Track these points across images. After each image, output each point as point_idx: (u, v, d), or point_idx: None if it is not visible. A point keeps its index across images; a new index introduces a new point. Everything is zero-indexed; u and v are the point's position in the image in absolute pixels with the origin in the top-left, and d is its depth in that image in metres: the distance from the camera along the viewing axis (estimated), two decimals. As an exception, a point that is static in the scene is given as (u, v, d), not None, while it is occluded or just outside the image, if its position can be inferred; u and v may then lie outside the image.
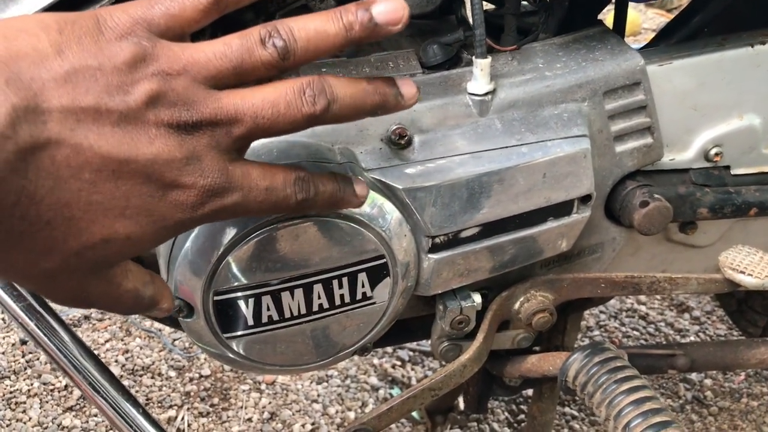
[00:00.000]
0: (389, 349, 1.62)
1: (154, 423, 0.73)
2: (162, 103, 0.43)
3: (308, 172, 0.51)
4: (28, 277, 0.43)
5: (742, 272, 0.77)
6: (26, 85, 0.39)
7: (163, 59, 0.43)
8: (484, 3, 0.79)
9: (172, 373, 1.55)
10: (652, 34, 1.03)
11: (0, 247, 0.40)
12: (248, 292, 0.64)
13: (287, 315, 0.66)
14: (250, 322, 0.65)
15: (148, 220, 0.43)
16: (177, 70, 0.43)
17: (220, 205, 0.46)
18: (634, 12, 3.04)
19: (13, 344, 1.60)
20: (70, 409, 1.46)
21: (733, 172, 0.84)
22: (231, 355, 0.68)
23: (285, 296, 0.65)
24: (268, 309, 0.65)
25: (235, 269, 0.62)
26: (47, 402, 1.47)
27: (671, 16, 2.96)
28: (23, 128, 0.38)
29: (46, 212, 0.40)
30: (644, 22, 3.21)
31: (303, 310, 0.66)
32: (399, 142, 0.67)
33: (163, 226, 0.44)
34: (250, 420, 1.45)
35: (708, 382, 1.58)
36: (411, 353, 1.62)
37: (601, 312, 1.76)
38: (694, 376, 1.58)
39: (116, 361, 1.58)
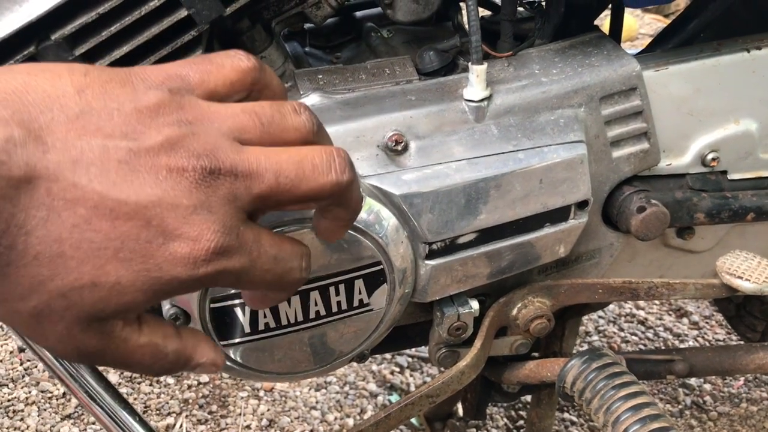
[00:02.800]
0: (388, 355, 1.62)
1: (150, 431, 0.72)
2: (179, 148, 0.40)
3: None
4: (12, 316, 0.40)
5: (740, 277, 0.77)
6: (33, 117, 0.38)
7: (188, 109, 0.42)
8: (481, 9, 0.79)
9: (171, 380, 1.55)
10: (649, 39, 1.03)
11: None
12: (245, 300, 0.63)
13: (284, 322, 0.66)
14: (247, 329, 0.65)
15: (142, 268, 0.39)
16: (201, 120, 0.41)
17: (225, 266, 0.41)
18: (630, 17, 3.05)
19: (11, 352, 1.60)
20: (69, 416, 1.45)
21: (730, 177, 0.84)
22: (228, 363, 0.67)
23: (282, 303, 0.64)
24: (265, 316, 0.65)
25: (231, 277, 0.62)
26: (45, 410, 1.46)
27: (668, 21, 2.97)
28: (19, 155, 0.37)
29: (35, 245, 0.38)
30: (641, 27, 3.22)
31: (300, 317, 0.66)
32: (395, 149, 0.67)
33: (156, 278, 0.40)
34: (248, 427, 1.45)
35: (707, 387, 1.58)
36: (410, 359, 1.62)
37: (599, 317, 1.76)
38: (693, 381, 1.58)
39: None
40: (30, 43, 0.56)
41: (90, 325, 0.40)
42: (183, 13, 0.59)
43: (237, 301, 0.63)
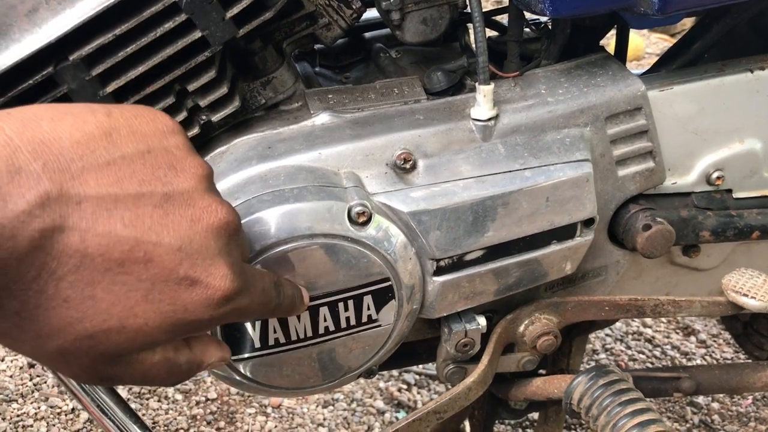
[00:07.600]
0: (395, 373, 1.62)
1: (161, 445, 0.73)
2: (211, 191, 0.43)
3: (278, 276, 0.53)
4: (37, 351, 0.41)
5: (746, 295, 0.77)
6: (64, 167, 0.39)
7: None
8: (488, 30, 0.80)
9: (179, 396, 1.55)
10: (656, 59, 1.04)
11: (13, 320, 0.39)
12: (255, 315, 0.64)
13: (293, 338, 0.67)
14: (257, 344, 0.66)
15: (169, 309, 0.42)
16: None
17: (237, 305, 0.45)
18: (637, 37, 3.06)
19: (21, 367, 1.61)
20: (77, 432, 1.46)
21: (735, 195, 0.85)
22: (238, 378, 0.68)
23: (291, 319, 0.65)
24: (275, 332, 0.66)
25: (242, 292, 0.63)
26: (54, 425, 1.47)
27: (674, 40, 2.97)
28: (53, 209, 0.38)
29: (65, 289, 0.39)
30: (647, 46, 3.23)
31: (309, 333, 0.67)
32: (404, 167, 0.68)
33: (181, 320, 0.42)
34: (255, 444, 1.45)
35: (715, 405, 1.57)
36: (417, 377, 1.62)
37: (606, 335, 1.76)
38: (701, 399, 1.58)
39: (123, 384, 1.58)
40: (48, 63, 0.58)
41: (113, 359, 0.43)
42: (197, 34, 0.60)
43: (247, 317, 0.64)
